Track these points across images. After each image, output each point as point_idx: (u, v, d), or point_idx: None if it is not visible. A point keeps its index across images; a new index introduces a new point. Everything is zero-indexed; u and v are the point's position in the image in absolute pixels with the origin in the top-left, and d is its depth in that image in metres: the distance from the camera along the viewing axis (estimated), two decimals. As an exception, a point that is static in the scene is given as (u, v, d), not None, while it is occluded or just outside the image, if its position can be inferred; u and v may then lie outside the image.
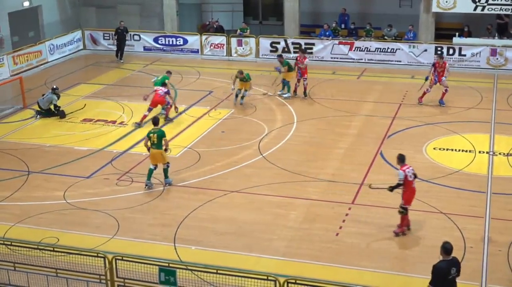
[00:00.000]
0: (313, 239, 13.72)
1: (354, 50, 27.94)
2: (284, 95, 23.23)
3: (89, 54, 30.81)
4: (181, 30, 31.27)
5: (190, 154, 18.39)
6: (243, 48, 29.04)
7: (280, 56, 24.08)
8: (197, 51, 29.74)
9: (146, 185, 16.20)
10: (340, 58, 28.12)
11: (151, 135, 15.97)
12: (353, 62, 27.93)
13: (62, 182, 16.69)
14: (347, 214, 14.72)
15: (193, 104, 22.87)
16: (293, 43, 28.57)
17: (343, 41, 28.43)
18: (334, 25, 30.30)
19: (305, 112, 21.76)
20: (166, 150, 16.18)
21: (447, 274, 10.09)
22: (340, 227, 14.16)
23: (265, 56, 28.77)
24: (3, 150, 18.96)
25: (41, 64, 28.26)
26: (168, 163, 16.26)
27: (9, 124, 21.26)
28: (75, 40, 30.66)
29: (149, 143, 16.00)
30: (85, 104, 22.36)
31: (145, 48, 30.15)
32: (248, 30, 29.89)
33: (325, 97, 22.12)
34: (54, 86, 21.94)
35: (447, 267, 10.11)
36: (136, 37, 30.12)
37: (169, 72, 22.21)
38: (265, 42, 28.96)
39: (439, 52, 26.07)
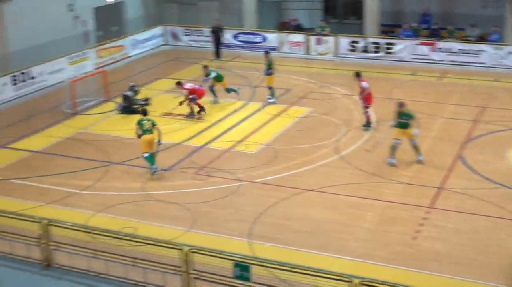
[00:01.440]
0: (389, 241, 13.50)
1: (435, 51, 27.33)
2: (213, 101, 22.73)
3: (170, 50, 31.37)
4: (260, 28, 31.42)
5: (267, 151, 18.43)
6: (322, 47, 28.86)
7: (205, 67, 22.91)
8: (275, 49, 29.79)
9: (155, 171, 16.69)
10: (421, 59, 27.59)
11: (145, 122, 16.69)
12: (434, 63, 27.33)
13: (141, 174, 17.07)
14: (425, 218, 14.41)
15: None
16: (373, 43, 28.21)
17: (425, 41, 27.85)
18: (415, 25, 29.72)
19: (384, 112, 21.30)
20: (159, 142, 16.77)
21: None
22: (418, 231, 13.88)
23: (344, 55, 28.51)
24: (86, 140, 19.57)
25: (124, 58, 28.99)
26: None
27: (92, 115, 21.91)
28: (156, 35, 31.30)
29: (139, 131, 16.66)
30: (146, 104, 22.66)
31: (224, 45, 30.36)
32: (327, 29, 29.70)
33: (403, 98, 21.63)
34: (131, 84, 22.44)
35: None
36: (216, 34, 30.39)
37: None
38: (344, 41, 28.71)
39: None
